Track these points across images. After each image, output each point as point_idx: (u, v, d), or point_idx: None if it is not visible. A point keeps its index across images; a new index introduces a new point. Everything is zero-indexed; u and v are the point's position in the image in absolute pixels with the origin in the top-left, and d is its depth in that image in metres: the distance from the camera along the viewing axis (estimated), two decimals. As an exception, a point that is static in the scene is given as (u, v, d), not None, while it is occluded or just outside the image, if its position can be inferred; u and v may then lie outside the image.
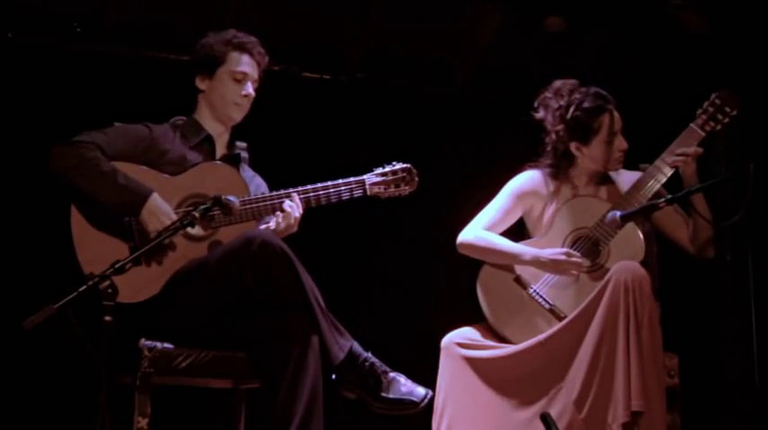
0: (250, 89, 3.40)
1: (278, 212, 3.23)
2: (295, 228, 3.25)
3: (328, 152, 4.44)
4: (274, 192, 3.27)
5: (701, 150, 3.38)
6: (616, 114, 3.49)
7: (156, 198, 3.14)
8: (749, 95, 3.70)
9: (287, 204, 3.23)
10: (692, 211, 3.41)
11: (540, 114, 3.54)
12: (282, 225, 3.22)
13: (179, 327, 3.05)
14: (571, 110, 3.46)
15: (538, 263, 3.39)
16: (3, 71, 4.18)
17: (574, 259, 3.36)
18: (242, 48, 3.41)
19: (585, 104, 3.46)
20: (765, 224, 4.25)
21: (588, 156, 3.50)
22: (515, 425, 3.21)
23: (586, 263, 3.39)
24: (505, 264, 3.46)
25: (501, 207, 3.56)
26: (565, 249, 3.38)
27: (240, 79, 3.39)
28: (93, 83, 4.30)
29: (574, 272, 3.37)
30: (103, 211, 3.14)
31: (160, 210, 3.13)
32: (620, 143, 3.49)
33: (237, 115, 3.43)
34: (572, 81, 3.53)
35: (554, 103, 3.50)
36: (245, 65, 3.40)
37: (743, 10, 4.38)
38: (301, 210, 3.25)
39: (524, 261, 3.42)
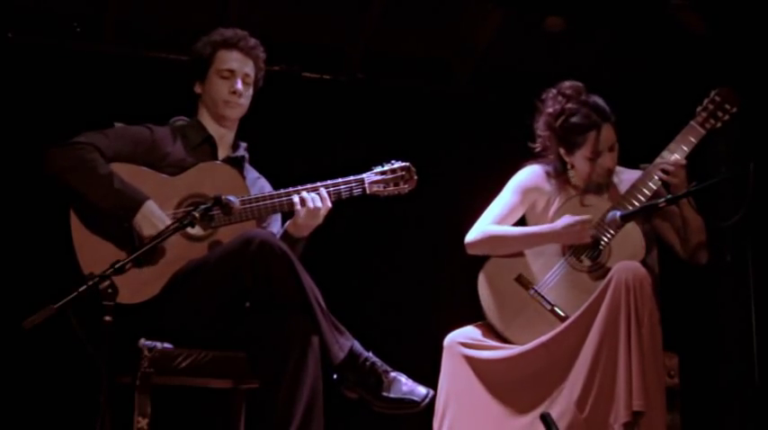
0: (239, 85, 3.34)
1: (297, 204, 3.20)
2: (320, 220, 3.23)
3: (328, 152, 4.43)
4: (274, 191, 3.26)
5: (682, 161, 3.35)
6: (606, 132, 3.40)
7: (150, 204, 3.11)
8: (749, 95, 3.69)
9: (309, 197, 3.19)
10: (682, 215, 3.41)
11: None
12: (302, 213, 3.19)
13: (179, 327, 3.04)
14: (560, 119, 3.43)
15: (557, 236, 3.36)
16: (3, 71, 4.18)
17: (580, 217, 3.32)
18: (228, 44, 3.37)
19: (573, 119, 3.40)
20: (765, 224, 4.25)
21: (573, 165, 3.49)
22: (517, 427, 3.21)
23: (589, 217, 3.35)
24: (522, 250, 3.42)
25: (506, 203, 3.54)
26: (570, 217, 3.34)
27: (227, 76, 3.35)
28: (93, 83, 4.29)
29: (591, 232, 3.32)
30: (100, 213, 3.13)
31: (155, 215, 3.10)
32: (606, 161, 3.43)
33: (231, 113, 3.38)
34: (578, 85, 3.47)
35: (549, 107, 3.47)
36: (232, 61, 3.36)
37: (743, 10, 4.38)
38: (329, 204, 3.22)
39: (544, 237, 3.38)
